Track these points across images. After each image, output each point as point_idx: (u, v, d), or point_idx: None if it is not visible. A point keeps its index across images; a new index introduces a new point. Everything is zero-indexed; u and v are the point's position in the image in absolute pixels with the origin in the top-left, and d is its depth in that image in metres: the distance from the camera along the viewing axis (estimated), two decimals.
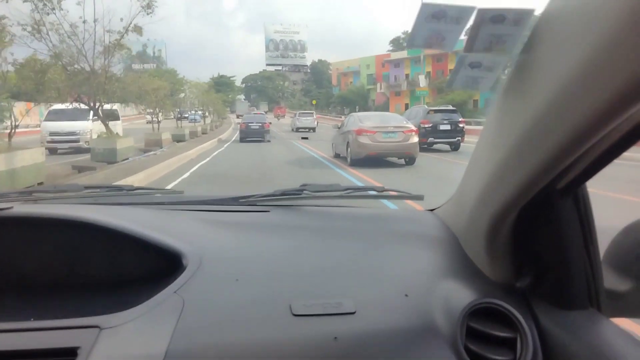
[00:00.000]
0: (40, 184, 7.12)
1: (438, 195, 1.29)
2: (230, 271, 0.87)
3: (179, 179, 8.74)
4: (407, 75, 54.33)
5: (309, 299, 0.78)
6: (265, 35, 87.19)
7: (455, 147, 14.87)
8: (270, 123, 24.00)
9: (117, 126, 14.74)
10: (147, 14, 10.42)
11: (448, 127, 14.68)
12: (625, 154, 0.61)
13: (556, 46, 0.52)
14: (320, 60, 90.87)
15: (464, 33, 0.61)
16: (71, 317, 0.72)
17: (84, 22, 10.01)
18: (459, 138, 14.75)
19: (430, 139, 14.48)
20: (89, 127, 14.76)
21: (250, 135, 20.98)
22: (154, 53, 73.46)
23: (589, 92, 0.46)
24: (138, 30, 10.62)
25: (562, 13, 0.52)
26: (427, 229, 1.08)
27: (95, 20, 10.18)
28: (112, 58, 10.75)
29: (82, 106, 11.45)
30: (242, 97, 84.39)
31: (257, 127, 21.22)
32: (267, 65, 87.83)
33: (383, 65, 60.08)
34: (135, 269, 0.98)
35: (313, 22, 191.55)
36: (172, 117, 22.82)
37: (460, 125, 14.93)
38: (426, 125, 14.51)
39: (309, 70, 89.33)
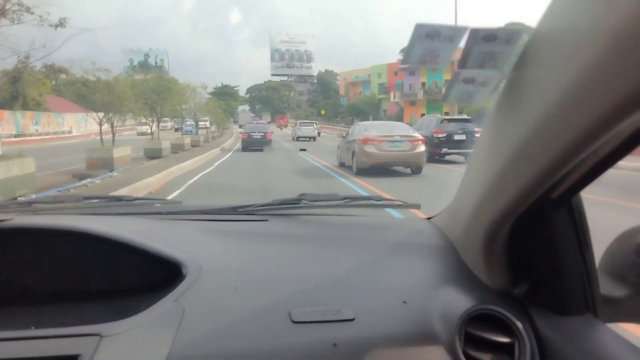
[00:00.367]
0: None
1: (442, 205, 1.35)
2: (229, 280, 0.91)
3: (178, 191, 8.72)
4: (423, 84, 53.14)
5: (308, 306, 0.82)
6: (270, 45, 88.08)
7: None
8: (272, 132, 24.18)
9: None
10: None
11: (463, 137, 14.37)
12: (620, 163, 0.65)
13: (547, 64, 0.56)
14: (327, 71, 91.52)
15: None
16: (72, 326, 0.74)
17: None
18: None
19: (444, 150, 14.20)
20: None
21: (253, 144, 21.35)
22: (155, 63, 74.51)
23: (579, 109, 0.50)
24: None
25: (552, 32, 0.56)
26: (425, 237, 1.13)
27: None
28: None
29: None
30: (246, 107, 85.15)
31: (259, 136, 21.73)
32: (273, 75, 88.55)
33: (396, 73, 59.16)
34: (135, 279, 1.02)
35: (319, 34, 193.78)
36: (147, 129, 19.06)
37: (477, 135, 14.67)
38: (439, 135, 14.27)
39: (315, 81, 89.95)
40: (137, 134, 18.41)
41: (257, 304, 0.84)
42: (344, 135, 13.67)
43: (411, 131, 11.87)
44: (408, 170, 11.49)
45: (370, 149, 10.90)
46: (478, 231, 0.80)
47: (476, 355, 0.74)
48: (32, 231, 1.02)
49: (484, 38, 0.64)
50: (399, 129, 12.19)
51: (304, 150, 20.80)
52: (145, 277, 1.01)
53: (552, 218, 0.74)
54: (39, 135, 31.55)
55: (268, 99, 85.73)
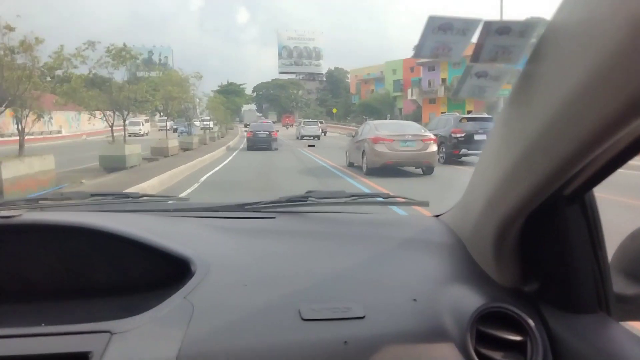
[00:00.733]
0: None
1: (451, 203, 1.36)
2: (238, 276, 0.94)
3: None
4: (443, 80, 50.42)
5: (317, 304, 0.85)
6: (278, 41, 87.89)
7: None
8: (278, 131, 24.43)
9: None
10: None
11: (484, 136, 13.55)
12: (631, 162, 0.66)
13: (562, 57, 0.57)
14: (336, 68, 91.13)
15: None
16: (81, 322, 0.77)
17: None
18: None
19: (463, 150, 13.74)
20: None
21: (258, 143, 21.64)
22: (159, 60, 75.00)
23: (595, 102, 0.50)
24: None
25: (568, 25, 0.57)
26: (434, 235, 1.15)
27: None
28: None
29: None
30: (252, 106, 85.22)
31: (265, 135, 22.00)
32: (280, 73, 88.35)
33: (412, 69, 57.32)
34: (143, 276, 1.05)
35: (328, 31, 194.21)
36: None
37: None
38: (458, 135, 13.87)
39: (324, 79, 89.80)
40: (129, 135, 15.18)
41: (266, 300, 0.86)
42: (353, 134, 13.67)
43: (422, 130, 11.88)
44: (419, 170, 11.49)
45: (381, 148, 10.93)
46: (489, 228, 0.81)
47: (488, 353, 0.75)
48: (40, 227, 1.06)
49: (498, 31, 0.65)
50: (410, 128, 12.20)
51: (313, 146, 21.73)
52: (153, 274, 1.04)
53: (565, 215, 0.76)
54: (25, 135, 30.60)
55: (275, 98, 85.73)
